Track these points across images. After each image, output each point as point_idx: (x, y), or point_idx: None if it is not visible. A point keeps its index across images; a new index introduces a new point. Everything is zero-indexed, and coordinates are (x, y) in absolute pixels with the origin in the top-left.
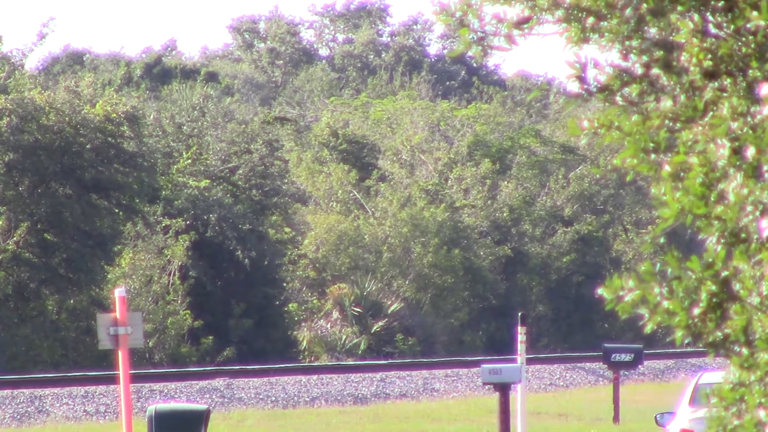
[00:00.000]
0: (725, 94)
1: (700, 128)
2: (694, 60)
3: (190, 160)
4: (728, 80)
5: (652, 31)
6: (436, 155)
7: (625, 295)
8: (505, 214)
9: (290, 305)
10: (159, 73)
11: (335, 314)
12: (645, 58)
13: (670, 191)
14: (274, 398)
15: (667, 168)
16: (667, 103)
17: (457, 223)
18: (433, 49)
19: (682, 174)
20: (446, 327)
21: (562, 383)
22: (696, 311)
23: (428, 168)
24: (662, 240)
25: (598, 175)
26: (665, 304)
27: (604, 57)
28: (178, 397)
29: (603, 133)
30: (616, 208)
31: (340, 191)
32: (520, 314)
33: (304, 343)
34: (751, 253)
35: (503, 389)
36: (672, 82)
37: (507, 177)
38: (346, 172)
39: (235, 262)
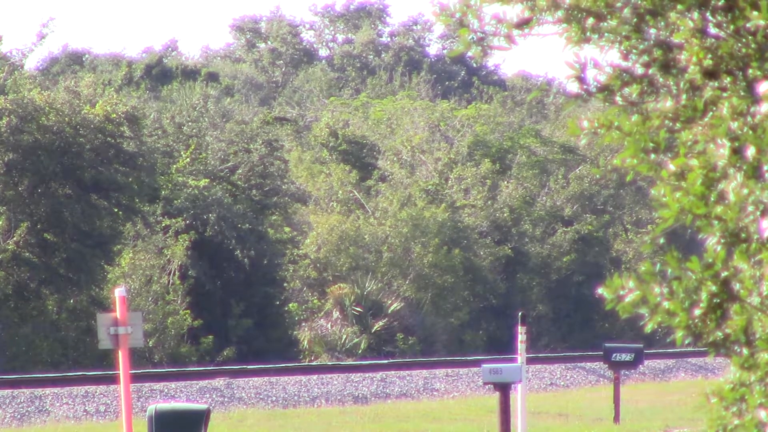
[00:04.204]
0: (725, 94)
1: (700, 128)
2: (694, 59)
3: (189, 160)
4: (728, 79)
5: (652, 31)
6: (436, 155)
7: (626, 295)
8: (505, 214)
9: (290, 305)
10: (159, 73)
11: (335, 314)
12: (645, 58)
13: (669, 192)
14: (274, 398)
15: (670, 167)
16: (667, 103)
17: (457, 223)
18: (433, 49)
19: (683, 181)
20: (446, 327)
21: (562, 383)
22: (696, 312)
23: (428, 168)
24: (662, 240)
25: (598, 176)
26: (665, 304)
27: (604, 57)
28: (178, 397)
29: (603, 133)
30: (616, 208)
31: (340, 191)
32: (520, 314)
33: (305, 342)
34: (751, 253)
35: (503, 389)
36: (671, 83)
37: (507, 177)
38: (346, 173)
39: (234, 261)
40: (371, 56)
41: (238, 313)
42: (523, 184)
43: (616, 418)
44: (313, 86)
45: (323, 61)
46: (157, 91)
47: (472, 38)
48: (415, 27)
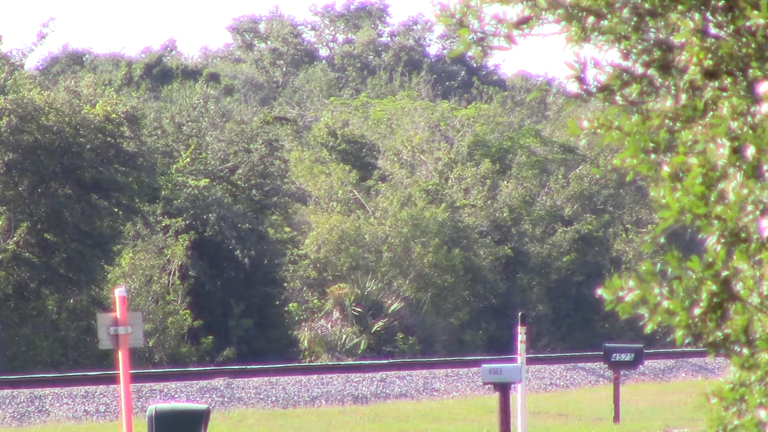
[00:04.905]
0: (725, 94)
1: (700, 128)
2: (694, 60)
3: (188, 159)
4: (728, 80)
5: (652, 32)
6: (436, 155)
7: (626, 295)
8: (505, 214)
9: (290, 305)
10: (159, 73)
11: (335, 314)
12: (645, 58)
13: (669, 192)
14: (274, 398)
15: (666, 169)
16: (667, 103)
17: (457, 222)
18: (433, 49)
19: (681, 174)
20: (446, 326)
21: (562, 383)
22: (696, 311)
23: (428, 168)
24: (662, 240)
25: (598, 176)
26: (665, 304)
27: (604, 57)
28: (178, 397)
29: (603, 133)
30: (616, 208)
31: (340, 191)
32: (520, 314)
33: (305, 342)
34: (751, 253)
35: (503, 389)
36: (671, 83)
37: (507, 177)
38: (346, 173)
39: (234, 261)
40: (371, 56)
41: (238, 313)
42: (523, 184)
43: (616, 418)
44: (313, 86)
45: (323, 61)
46: (157, 91)
47: (472, 38)
48: (415, 27)
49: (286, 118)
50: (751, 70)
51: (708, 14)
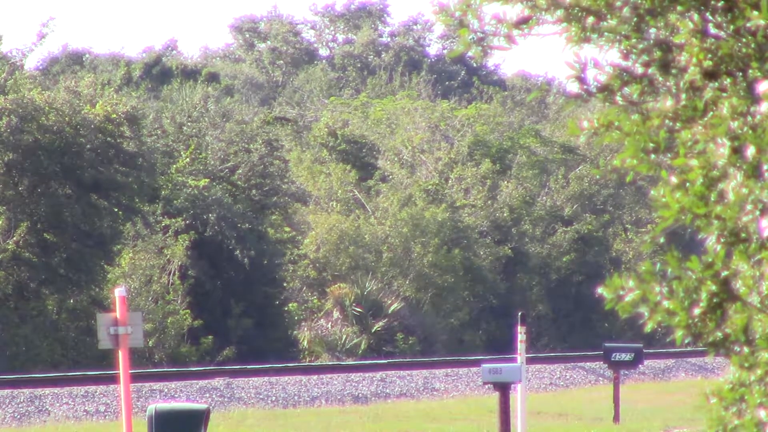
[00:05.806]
0: (725, 94)
1: (700, 128)
2: (694, 60)
3: (188, 159)
4: (728, 80)
5: (652, 31)
6: (436, 155)
7: (625, 294)
8: (505, 214)
9: (290, 305)
10: (159, 73)
11: (336, 314)
12: (645, 57)
13: (669, 192)
14: (274, 398)
15: (674, 180)
16: (667, 103)
17: (457, 222)
18: (433, 49)
19: (685, 179)
20: (446, 326)
21: (562, 383)
22: (696, 311)
23: (428, 168)
24: (662, 240)
25: (598, 176)
26: (665, 303)
27: (604, 57)
28: (178, 397)
29: (603, 133)
30: (616, 208)
31: (340, 191)
32: (520, 314)
33: (305, 342)
34: (751, 252)
35: (503, 388)
36: (671, 83)
37: (507, 177)
38: (346, 172)
39: (234, 261)
40: (371, 56)
41: (238, 313)
42: (523, 184)
43: (616, 418)
44: (313, 86)
45: (324, 60)
46: (157, 91)
47: (472, 38)
48: (415, 27)
49: (286, 118)
50: (750, 71)
51: (708, 14)
